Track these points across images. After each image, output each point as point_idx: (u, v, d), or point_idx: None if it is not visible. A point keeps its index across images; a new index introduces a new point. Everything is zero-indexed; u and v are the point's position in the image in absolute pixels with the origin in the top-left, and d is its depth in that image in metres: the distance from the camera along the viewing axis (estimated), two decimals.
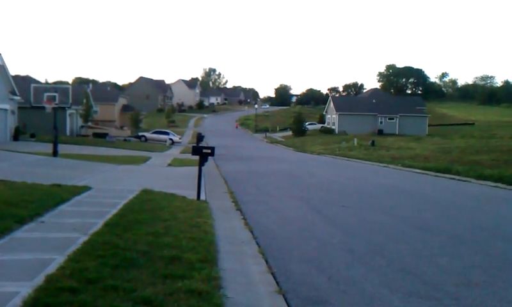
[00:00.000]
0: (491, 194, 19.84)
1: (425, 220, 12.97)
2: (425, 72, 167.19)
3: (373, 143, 55.40)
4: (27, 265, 6.55)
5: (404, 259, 8.63)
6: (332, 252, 9.12)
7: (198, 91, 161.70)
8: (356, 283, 7.21)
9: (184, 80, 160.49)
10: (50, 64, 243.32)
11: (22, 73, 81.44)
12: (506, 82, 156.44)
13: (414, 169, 30.00)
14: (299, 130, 78.49)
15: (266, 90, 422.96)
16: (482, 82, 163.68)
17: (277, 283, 6.94)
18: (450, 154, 39.60)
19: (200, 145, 15.57)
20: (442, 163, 31.86)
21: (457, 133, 70.92)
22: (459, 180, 24.37)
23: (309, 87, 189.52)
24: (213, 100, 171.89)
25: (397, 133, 77.91)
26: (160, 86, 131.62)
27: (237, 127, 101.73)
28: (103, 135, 51.65)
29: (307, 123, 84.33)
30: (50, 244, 7.70)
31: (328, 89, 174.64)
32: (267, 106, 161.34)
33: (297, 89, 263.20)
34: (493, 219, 13.78)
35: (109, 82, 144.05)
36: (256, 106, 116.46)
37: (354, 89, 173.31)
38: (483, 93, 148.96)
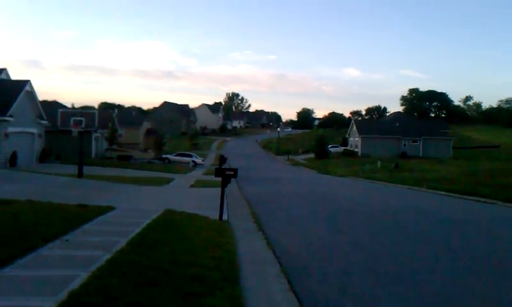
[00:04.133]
0: None
1: (451, 243, 12.73)
2: (449, 96, 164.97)
3: (397, 166, 54.74)
4: (51, 281, 6.63)
5: (431, 283, 8.46)
6: (355, 274, 8.97)
7: (221, 115, 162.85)
8: (380, 306, 7.08)
9: (207, 105, 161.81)
10: (77, 90, 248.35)
11: (50, 99, 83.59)
12: None
13: (439, 191, 29.54)
14: (322, 153, 77.98)
15: (289, 114, 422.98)
16: (507, 106, 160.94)
17: (300, 303, 6.85)
18: (475, 176, 38.92)
19: (223, 167, 15.62)
20: (467, 185, 31.30)
21: (482, 156, 69.75)
22: (484, 202, 23.88)
23: (331, 111, 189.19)
24: (236, 123, 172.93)
25: (420, 156, 76.93)
26: (184, 110, 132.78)
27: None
28: (127, 158, 52.22)
29: (330, 146, 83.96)
30: (74, 261, 7.78)
31: (351, 113, 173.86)
32: (290, 129, 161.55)
33: (319, 113, 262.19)
34: None
35: (134, 107, 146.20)
36: (278, 129, 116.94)
37: (377, 112, 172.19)
38: (508, 116, 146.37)
